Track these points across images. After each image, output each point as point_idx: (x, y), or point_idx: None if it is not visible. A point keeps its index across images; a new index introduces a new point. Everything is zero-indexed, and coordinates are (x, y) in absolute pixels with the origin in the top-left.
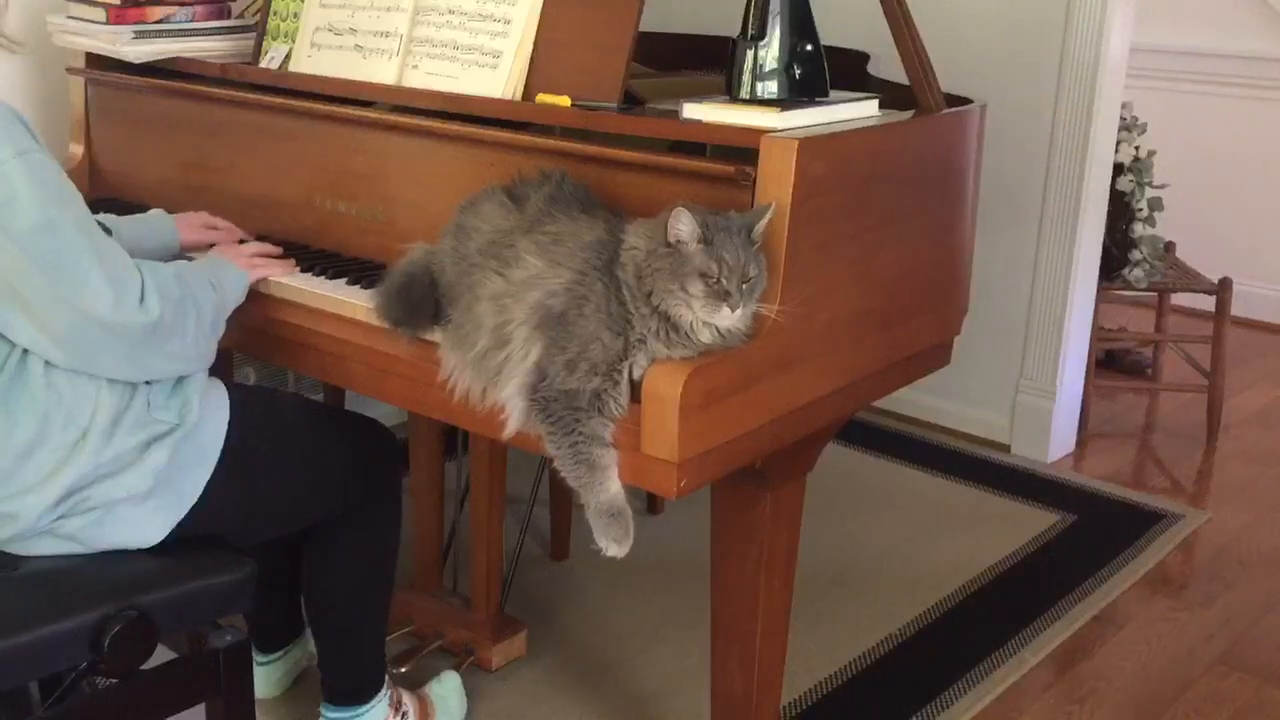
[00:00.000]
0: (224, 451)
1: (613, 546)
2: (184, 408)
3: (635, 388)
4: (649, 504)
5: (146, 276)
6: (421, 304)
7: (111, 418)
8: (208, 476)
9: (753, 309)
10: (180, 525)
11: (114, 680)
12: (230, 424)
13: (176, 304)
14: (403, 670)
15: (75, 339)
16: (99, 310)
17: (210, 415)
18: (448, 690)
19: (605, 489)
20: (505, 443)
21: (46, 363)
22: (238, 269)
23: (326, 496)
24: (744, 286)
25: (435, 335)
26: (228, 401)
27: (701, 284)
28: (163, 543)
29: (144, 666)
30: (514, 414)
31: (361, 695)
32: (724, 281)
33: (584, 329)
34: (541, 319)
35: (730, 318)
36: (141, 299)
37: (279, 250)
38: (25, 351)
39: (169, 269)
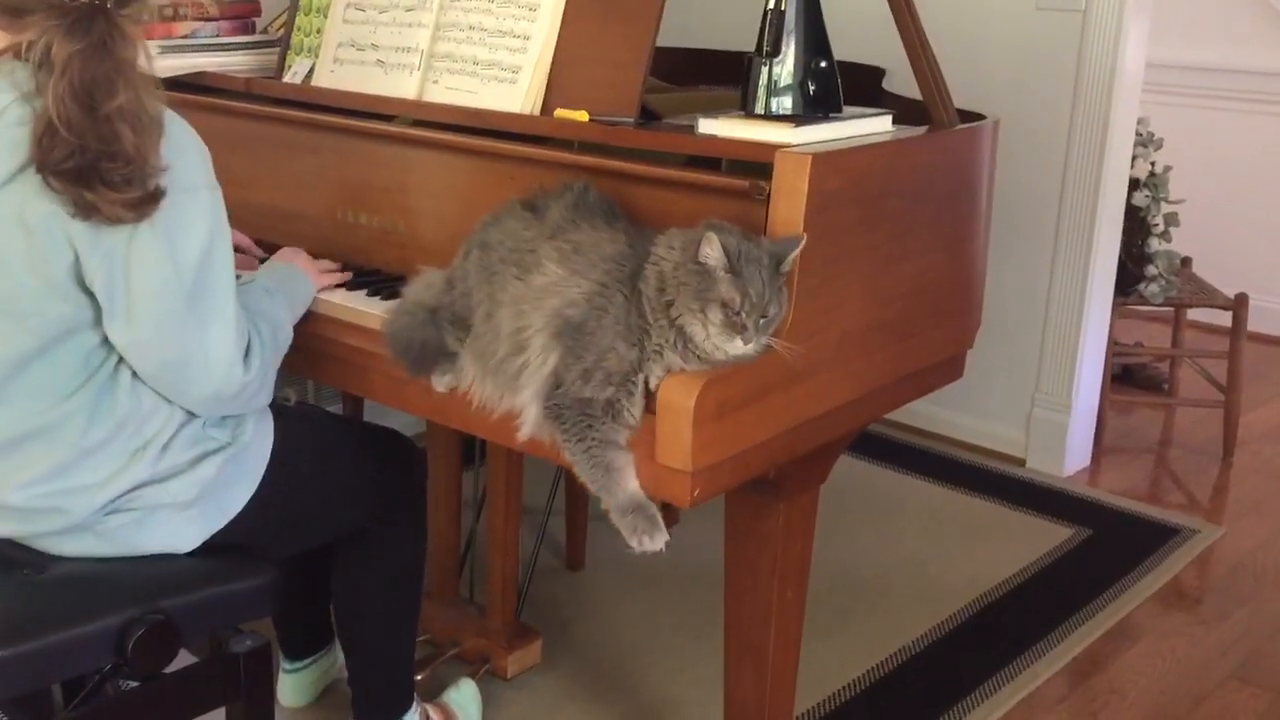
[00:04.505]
0: (267, 471)
1: (644, 540)
2: (238, 428)
3: (650, 398)
4: (664, 515)
5: (253, 335)
6: (434, 358)
7: (173, 432)
8: (250, 494)
9: (763, 342)
10: (214, 535)
11: (136, 683)
12: (275, 446)
13: (264, 365)
14: (418, 678)
15: (176, 365)
16: (216, 348)
17: (258, 436)
18: (465, 698)
19: (622, 489)
20: (522, 452)
21: (134, 373)
22: (310, 281)
23: (356, 512)
24: (761, 321)
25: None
26: (273, 424)
27: (721, 313)
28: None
29: (166, 670)
30: (529, 420)
31: (392, 711)
32: (743, 315)
33: (601, 340)
34: (559, 328)
35: (741, 349)
36: (246, 354)
37: (338, 266)
38: (120, 359)
39: (265, 325)
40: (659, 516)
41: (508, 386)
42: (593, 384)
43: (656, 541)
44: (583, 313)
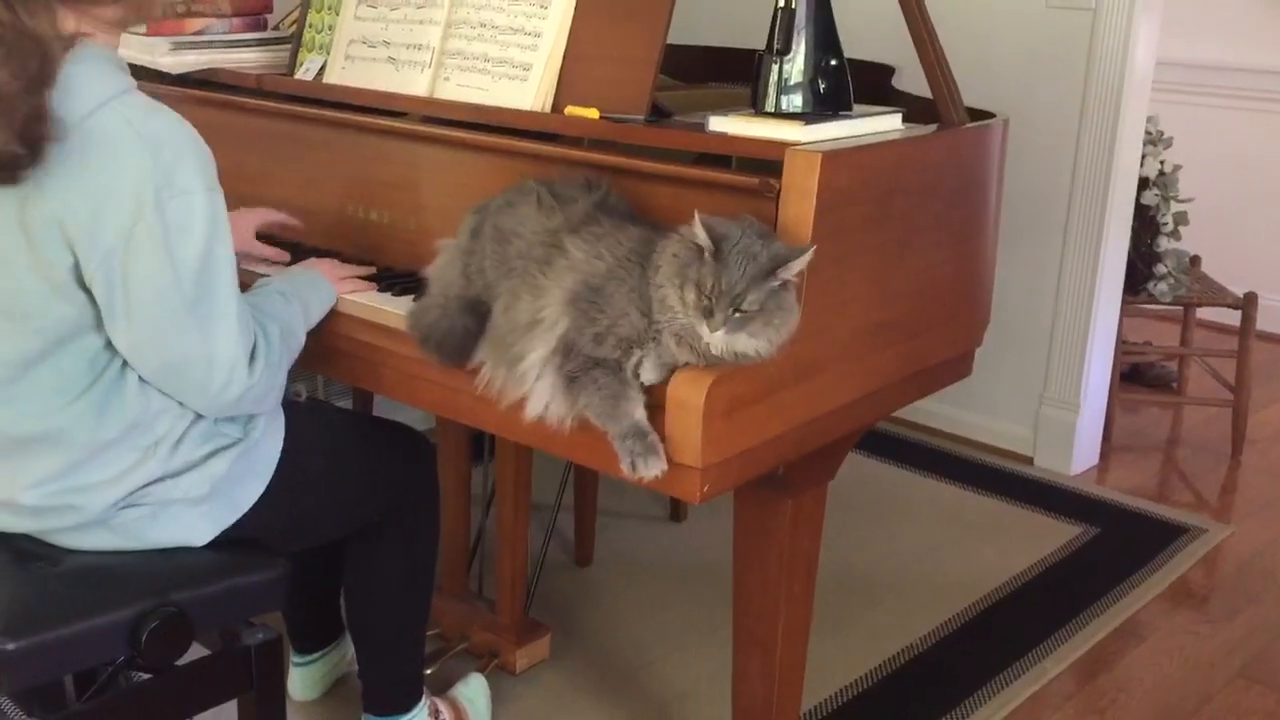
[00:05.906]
0: (278, 467)
1: (639, 465)
2: (249, 424)
3: (653, 393)
4: (672, 511)
5: (260, 338)
6: (466, 350)
7: (184, 429)
8: (261, 490)
9: (751, 343)
10: (226, 530)
11: (149, 675)
12: (286, 442)
13: (270, 368)
14: (428, 672)
15: (177, 367)
16: (218, 350)
17: (269, 432)
18: (475, 692)
19: (627, 414)
20: (530, 446)
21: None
22: (330, 288)
23: (368, 507)
24: (735, 315)
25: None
26: (284, 421)
27: (694, 293)
28: None
29: (178, 663)
30: (536, 390)
31: (402, 704)
32: (711, 300)
33: (617, 305)
34: (577, 293)
35: (708, 337)
36: (252, 357)
37: (370, 271)
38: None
39: (275, 327)
40: (659, 445)
41: (516, 357)
42: (605, 347)
43: (652, 468)
44: (602, 279)
